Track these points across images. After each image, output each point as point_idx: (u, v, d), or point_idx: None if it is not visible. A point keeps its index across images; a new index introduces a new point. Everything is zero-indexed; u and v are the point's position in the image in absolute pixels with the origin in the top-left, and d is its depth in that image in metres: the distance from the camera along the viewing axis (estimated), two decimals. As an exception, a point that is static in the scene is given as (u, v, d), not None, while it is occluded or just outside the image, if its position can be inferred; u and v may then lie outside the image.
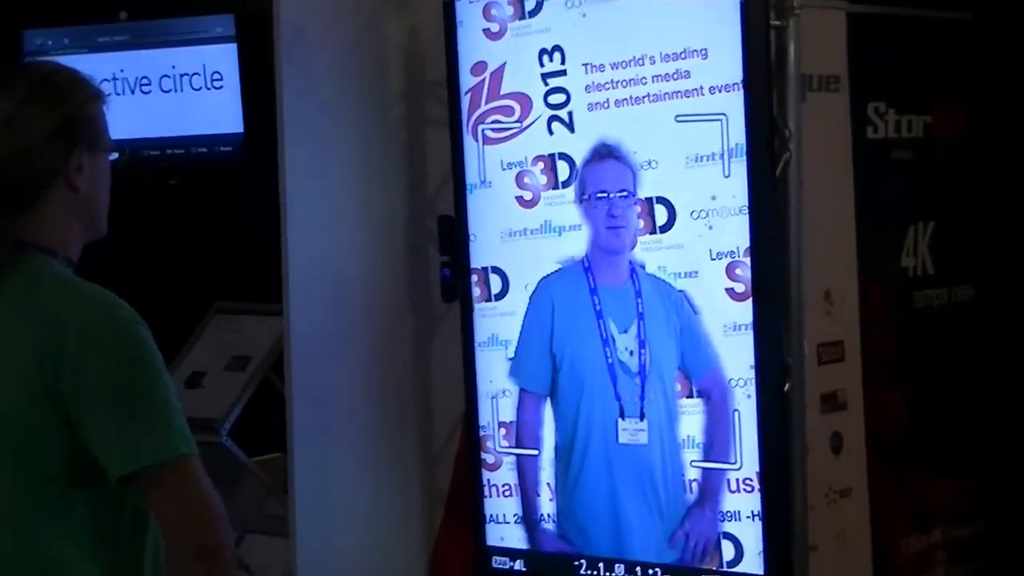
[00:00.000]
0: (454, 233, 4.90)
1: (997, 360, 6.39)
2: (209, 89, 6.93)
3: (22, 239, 3.27)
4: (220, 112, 6.53)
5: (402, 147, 4.95)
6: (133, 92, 7.17)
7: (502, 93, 4.77)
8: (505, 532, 4.89)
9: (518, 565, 4.89)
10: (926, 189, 6.33)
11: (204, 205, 6.62)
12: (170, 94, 7.10)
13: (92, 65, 7.04)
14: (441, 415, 4.97)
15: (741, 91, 4.43)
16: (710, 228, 4.51)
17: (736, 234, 4.46)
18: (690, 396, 4.59)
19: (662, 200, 4.57)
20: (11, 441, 3.18)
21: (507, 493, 4.89)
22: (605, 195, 4.65)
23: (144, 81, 7.13)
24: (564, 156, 4.70)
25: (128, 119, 7.15)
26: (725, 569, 4.54)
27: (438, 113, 4.85)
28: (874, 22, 6.01)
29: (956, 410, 6.34)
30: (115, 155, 3.61)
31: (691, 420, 4.59)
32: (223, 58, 6.54)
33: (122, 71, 7.18)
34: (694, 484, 4.60)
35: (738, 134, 4.44)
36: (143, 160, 7.12)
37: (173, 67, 7.07)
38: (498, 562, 4.91)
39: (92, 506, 3.20)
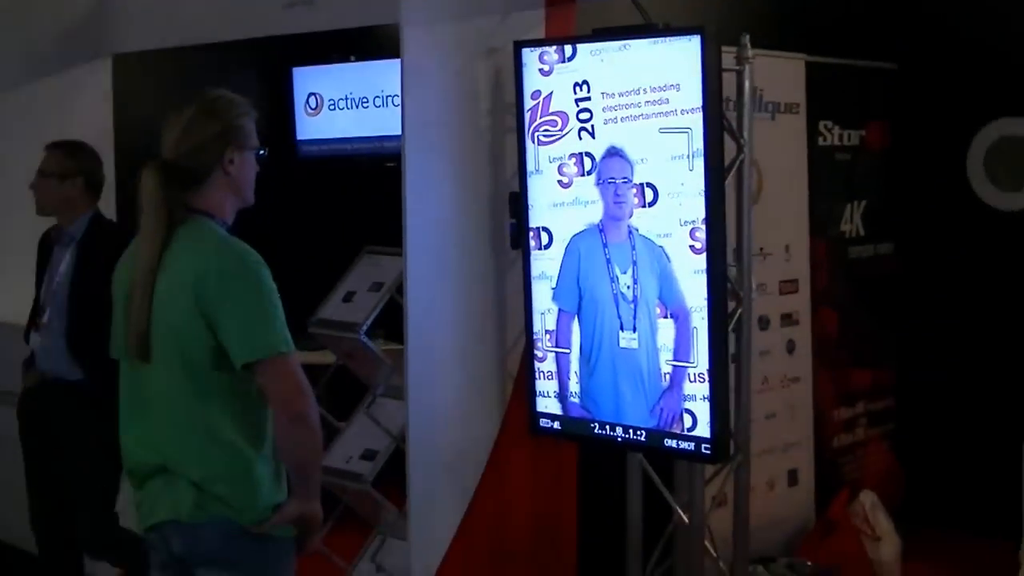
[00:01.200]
0: (519, 203, 4.54)
1: (904, 291, 6.18)
2: (404, 105, 6.69)
3: (193, 206, 3.22)
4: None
5: (487, 146, 4.64)
6: (357, 108, 6.86)
7: (550, 111, 4.50)
8: (548, 403, 4.67)
9: (556, 424, 4.55)
10: (859, 179, 6.22)
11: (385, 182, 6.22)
12: (380, 108, 6.85)
13: (333, 89, 6.81)
14: (512, 324, 4.71)
15: (701, 113, 3.92)
16: (680, 204, 4.25)
17: (696, 209, 4.11)
18: (665, 317, 4.32)
19: (650, 185, 4.32)
20: (178, 340, 3.15)
21: (549, 377, 4.61)
22: (613, 181, 4.36)
23: (364, 99, 6.81)
24: (588, 154, 4.44)
25: (354, 124, 7.16)
26: (685, 432, 4.25)
27: (510, 124, 4.45)
28: (825, 68, 5.76)
29: (874, 324, 6.04)
30: (261, 151, 3.25)
31: (666, 333, 4.35)
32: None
33: (351, 93, 6.88)
34: (667, 376, 4.35)
35: (698, 142, 4.11)
36: (366, 151, 6.99)
37: (382, 90, 6.83)
38: (543, 422, 4.59)
39: (229, 385, 3.15)
